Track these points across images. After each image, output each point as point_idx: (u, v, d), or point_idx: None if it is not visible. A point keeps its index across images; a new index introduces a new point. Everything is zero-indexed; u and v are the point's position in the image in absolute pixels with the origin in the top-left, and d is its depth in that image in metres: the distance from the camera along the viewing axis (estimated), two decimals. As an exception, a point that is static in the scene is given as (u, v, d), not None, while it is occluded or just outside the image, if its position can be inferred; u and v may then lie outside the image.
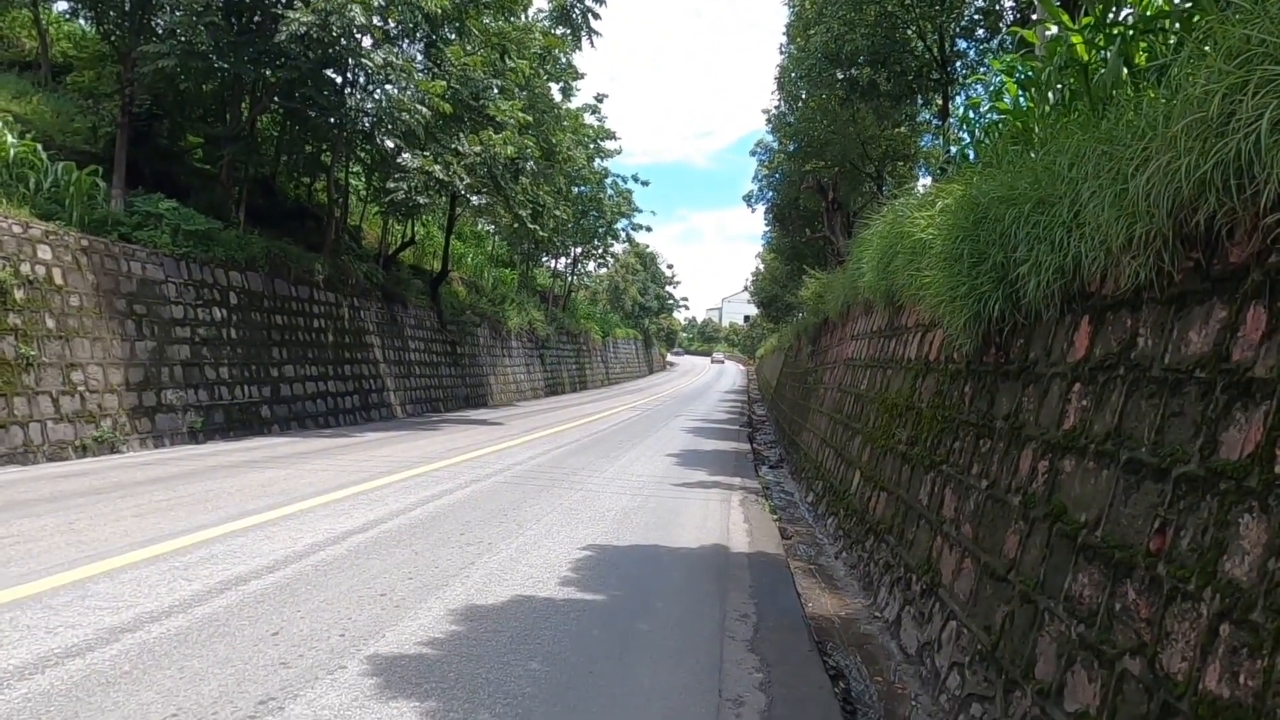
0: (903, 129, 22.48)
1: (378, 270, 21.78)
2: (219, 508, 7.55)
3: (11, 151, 11.59)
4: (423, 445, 13.95)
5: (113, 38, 14.69)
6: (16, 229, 10.72)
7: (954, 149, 7.87)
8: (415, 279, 25.09)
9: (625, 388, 46.96)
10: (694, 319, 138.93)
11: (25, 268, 10.66)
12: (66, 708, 3.38)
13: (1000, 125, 5.60)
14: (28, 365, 10.35)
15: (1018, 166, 4.38)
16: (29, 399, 10.29)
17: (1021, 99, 5.29)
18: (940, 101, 19.56)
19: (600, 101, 37.11)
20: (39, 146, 12.44)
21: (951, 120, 14.22)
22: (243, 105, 17.18)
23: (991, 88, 6.15)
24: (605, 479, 11.04)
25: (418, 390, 22.67)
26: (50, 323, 10.90)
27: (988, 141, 5.88)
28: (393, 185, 18.89)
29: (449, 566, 6.04)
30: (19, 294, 10.44)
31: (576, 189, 35.43)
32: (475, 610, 5.06)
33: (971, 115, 6.60)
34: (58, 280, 11.21)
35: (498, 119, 19.78)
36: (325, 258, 18.60)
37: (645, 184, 47.81)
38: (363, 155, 20.54)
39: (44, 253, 11.08)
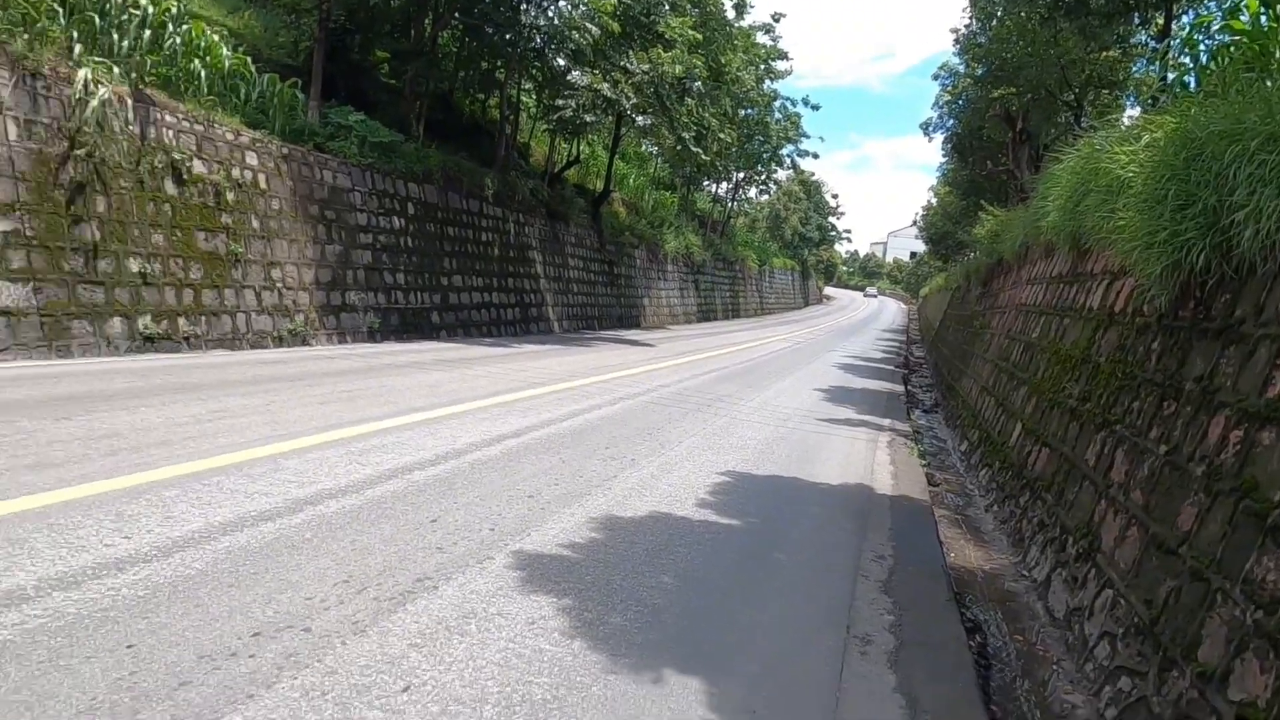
0: (1112, 52, 20.06)
1: (543, 188, 22.33)
2: (391, 403, 8.20)
3: (226, 64, 12.58)
4: (576, 360, 14.45)
5: (314, -47, 15.50)
6: (229, 136, 11.79)
7: (1171, 75, 6.99)
8: (578, 198, 25.56)
9: (779, 319, 46.29)
10: (856, 253, 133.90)
11: (235, 172, 11.75)
12: (259, 564, 3.86)
13: (1232, 49, 4.90)
14: (236, 261, 11.52)
15: (1248, 96, 3.82)
16: (236, 291, 11.48)
17: (1263, 17, 4.59)
18: (1161, 21, 17.25)
19: (777, 21, 35.61)
20: (249, 60, 13.43)
21: (1172, 42, 12.56)
22: (426, 21, 17.81)
23: (1226, 5, 5.37)
24: (750, 408, 11.04)
25: (574, 307, 23.37)
26: (255, 223, 12.02)
27: (1214, 67, 5.17)
28: (561, 103, 19.12)
29: (593, 477, 6.30)
30: (230, 196, 11.54)
31: (743, 111, 34.48)
32: (614, 520, 5.27)
33: (1198, 37, 5.82)
34: (262, 185, 12.28)
35: (667, 36, 19.45)
36: (495, 173, 19.26)
37: (816, 108, 45.91)
38: (534, 73, 20.89)
39: (251, 159, 12.14)
